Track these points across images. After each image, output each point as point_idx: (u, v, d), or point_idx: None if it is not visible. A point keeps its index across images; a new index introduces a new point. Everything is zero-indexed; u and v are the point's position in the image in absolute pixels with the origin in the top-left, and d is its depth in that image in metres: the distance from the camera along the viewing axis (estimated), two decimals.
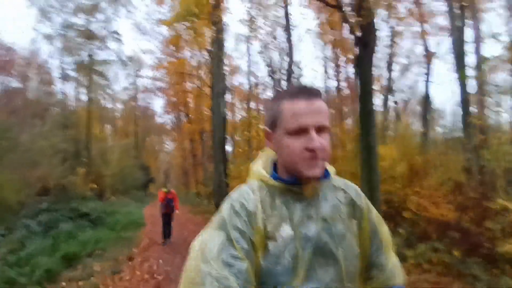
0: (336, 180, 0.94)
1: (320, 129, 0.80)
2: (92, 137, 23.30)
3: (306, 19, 51.36)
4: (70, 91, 27.73)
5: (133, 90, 34.96)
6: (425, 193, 7.14)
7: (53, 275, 4.52)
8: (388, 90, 17.86)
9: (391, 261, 0.94)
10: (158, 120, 39.43)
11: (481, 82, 9.90)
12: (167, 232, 8.09)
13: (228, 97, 27.96)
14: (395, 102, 18.66)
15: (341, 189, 0.92)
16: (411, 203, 6.86)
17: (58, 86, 26.77)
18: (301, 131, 0.80)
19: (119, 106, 37.12)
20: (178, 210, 8.58)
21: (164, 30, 23.87)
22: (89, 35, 23.68)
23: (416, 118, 18.61)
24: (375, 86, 23.10)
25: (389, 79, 18.65)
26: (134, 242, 7.70)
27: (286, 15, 12.15)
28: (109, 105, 35.58)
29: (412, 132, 10.75)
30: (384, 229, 0.96)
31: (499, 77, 10.92)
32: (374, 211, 0.95)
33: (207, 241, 0.76)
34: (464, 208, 6.25)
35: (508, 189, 6.32)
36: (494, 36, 8.65)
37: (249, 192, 0.84)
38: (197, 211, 15.88)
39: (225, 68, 19.59)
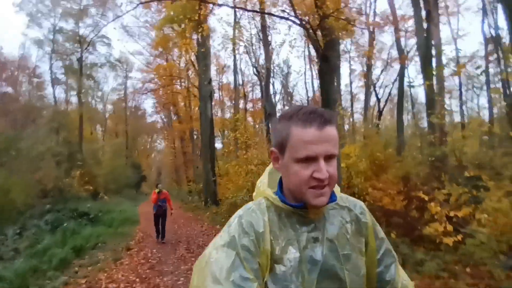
0: (341, 198, 0.94)
1: (328, 157, 0.80)
2: (84, 139, 24.23)
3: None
4: (60, 94, 28.63)
5: (123, 91, 35.73)
6: (382, 186, 8.37)
7: (66, 263, 5.65)
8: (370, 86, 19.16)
9: (401, 275, 0.95)
10: (149, 119, 40.47)
11: (440, 86, 11.11)
12: (160, 232, 8.32)
13: (217, 94, 29.16)
14: (378, 99, 19.94)
15: (346, 207, 0.93)
16: (369, 196, 8.10)
17: (49, 89, 27.58)
18: (310, 159, 0.79)
19: (109, 106, 37.96)
20: (172, 210, 8.79)
21: (152, 32, 24.91)
22: (78, 40, 24.46)
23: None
24: (360, 83, 24.30)
25: (368, 76, 19.94)
26: (131, 236, 8.84)
27: (263, 28, 13.15)
28: (99, 106, 36.55)
29: (380, 131, 11.91)
30: (388, 245, 0.96)
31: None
32: (378, 227, 0.96)
33: (217, 260, 0.76)
34: (410, 198, 7.48)
35: (452, 181, 7.48)
36: (440, 52, 9.83)
37: (258, 211, 0.85)
38: (187, 208, 17.04)
39: (213, 67, 20.58)
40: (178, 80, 26.08)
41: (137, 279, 4.95)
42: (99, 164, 25.70)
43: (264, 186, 0.92)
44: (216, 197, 14.55)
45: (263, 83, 13.35)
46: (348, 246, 0.87)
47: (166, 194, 8.56)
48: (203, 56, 16.24)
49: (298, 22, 7.99)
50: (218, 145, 25.70)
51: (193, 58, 20.92)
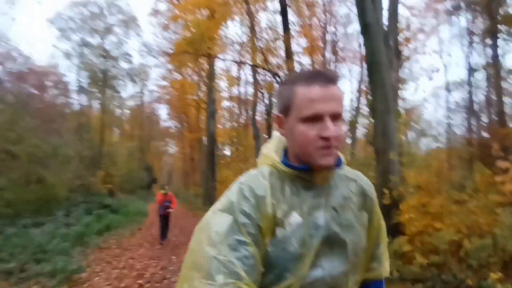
0: (348, 170, 0.96)
1: (335, 117, 0.80)
2: (105, 143, 28.18)
3: None
4: (83, 101, 32.84)
5: (140, 97, 39.84)
6: None
7: (101, 232, 9.24)
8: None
9: (386, 253, 1.01)
10: (163, 124, 44.55)
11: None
12: (164, 233, 8.81)
13: (227, 104, 32.67)
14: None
15: (353, 180, 0.94)
16: None
17: (74, 97, 31.79)
18: (316, 118, 0.79)
19: (126, 111, 42.15)
20: (174, 209, 9.13)
21: (169, 49, 28.78)
22: (104, 55, 28.58)
23: None
24: None
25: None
26: (141, 223, 12.46)
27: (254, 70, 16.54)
28: (117, 111, 40.75)
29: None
30: (383, 222, 1.00)
31: None
32: (378, 204, 0.99)
33: (214, 224, 0.77)
34: None
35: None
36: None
37: (259, 176, 0.85)
38: (190, 208, 20.65)
39: (223, 82, 23.99)
40: (190, 93, 29.82)
41: (145, 243, 8.49)
42: (115, 165, 29.61)
43: (269, 151, 0.92)
44: (212, 199, 18.05)
45: (249, 111, 16.79)
46: (352, 217, 0.88)
47: (171, 196, 8.99)
48: (210, 77, 19.88)
49: (273, 75, 11.56)
50: (227, 152, 29.44)
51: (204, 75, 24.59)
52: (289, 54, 11.10)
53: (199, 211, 17.87)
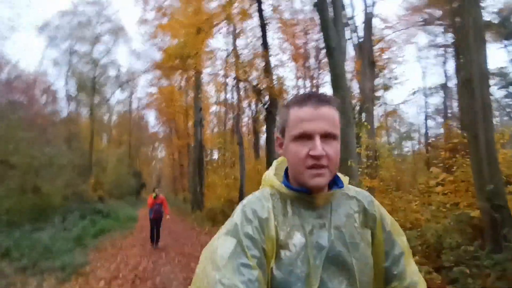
0: (349, 188, 0.97)
1: (326, 136, 0.83)
2: (95, 150, 29.00)
3: None
4: (71, 108, 33.59)
5: (128, 102, 40.64)
6: None
7: (97, 235, 10.27)
8: None
9: (411, 270, 0.95)
10: (151, 130, 45.38)
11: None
12: (155, 236, 8.96)
13: (215, 109, 33.71)
14: None
15: (354, 198, 0.96)
16: None
17: (62, 104, 32.50)
18: (306, 138, 0.83)
19: (114, 117, 42.91)
20: (168, 215, 9.30)
21: (157, 55, 29.79)
22: (92, 62, 29.46)
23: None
24: None
25: None
26: (132, 227, 13.48)
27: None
28: (105, 117, 41.48)
29: None
30: (401, 238, 0.97)
31: None
32: (389, 220, 0.98)
33: (218, 248, 0.79)
34: None
35: None
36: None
37: (261, 198, 0.88)
38: (178, 213, 21.64)
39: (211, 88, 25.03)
40: (178, 100, 30.81)
41: (137, 244, 9.56)
42: (104, 172, 30.42)
43: (270, 175, 0.95)
44: (201, 204, 19.09)
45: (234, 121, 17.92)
46: (356, 235, 0.89)
47: (162, 199, 9.06)
48: (197, 87, 20.95)
49: (253, 88, 12.72)
50: (216, 156, 30.51)
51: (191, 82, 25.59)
52: (268, 69, 12.28)
53: (187, 216, 18.89)
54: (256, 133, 22.99)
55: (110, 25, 29.69)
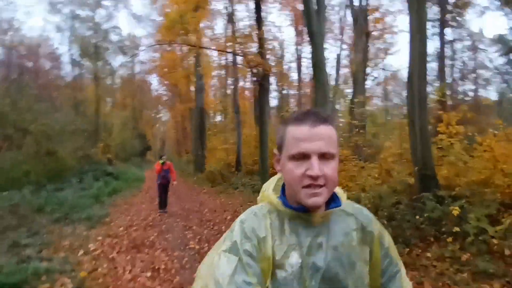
0: (347, 205, 0.97)
1: (324, 156, 0.83)
2: (100, 114, 30.56)
3: None
4: (76, 73, 34.80)
5: (131, 67, 41.65)
6: None
7: (110, 194, 12.06)
8: None
9: (405, 285, 0.97)
10: (155, 92, 46.52)
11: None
12: (163, 201, 9.36)
13: (217, 72, 34.76)
14: None
15: (352, 215, 0.96)
16: None
17: (66, 69, 33.72)
18: (303, 157, 0.83)
19: (117, 80, 44.02)
20: (175, 181, 9.79)
21: (158, 18, 30.50)
22: (94, 27, 30.34)
23: None
24: None
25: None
26: (140, 187, 15.31)
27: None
28: (109, 81, 42.62)
29: None
30: (396, 255, 0.99)
31: None
32: (386, 237, 0.99)
33: (219, 265, 0.80)
34: None
35: None
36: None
37: (260, 216, 0.89)
38: (182, 174, 23.52)
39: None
40: (180, 65, 31.84)
41: (144, 201, 11.33)
42: (110, 135, 32.19)
43: (269, 190, 0.96)
44: (202, 167, 20.84)
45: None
46: (353, 254, 0.90)
47: (169, 165, 9.52)
48: (197, 56, 22.09)
49: (247, 66, 13.89)
50: (219, 118, 31.99)
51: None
52: (262, 46, 13.40)
53: (189, 177, 20.73)
54: (256, 100, 24.30)
55: None
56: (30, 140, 14.51)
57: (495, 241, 4.18)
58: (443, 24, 15.58)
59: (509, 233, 4.24)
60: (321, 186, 0.82)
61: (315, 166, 0.81)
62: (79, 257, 5.06)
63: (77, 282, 4.06)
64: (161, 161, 9.43)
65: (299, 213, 0.88)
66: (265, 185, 0.99)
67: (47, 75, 31.06)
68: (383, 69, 21.98)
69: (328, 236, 0.89)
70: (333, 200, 0.92)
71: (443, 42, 15.59)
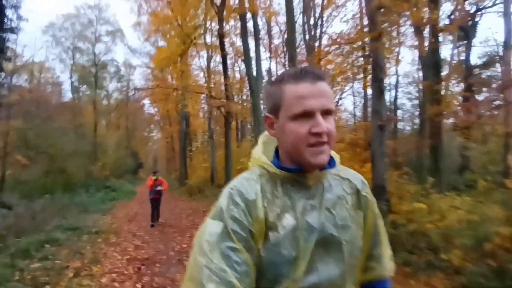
0: (342, 169, 1.00)
1: (325, 113, 0.84)
2: (98, 135, 35.53)
3: None
4: (75, 97, 40.01)
5: (125, 92, 46.83)
6: None
7: (112, 201, 17.09)
8: None
9: (387, 252, 1.02)
10: (147, 111, 51.37)
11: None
12: (155, 216, 9.94)
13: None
14: None
15: (347, 179, 0.98)
16: None
17: (67, 95, 38.97)
18: (307, 115, 0.83)
19: (112, 101, 49.02)
20: (164, 189, 10.23)
21: (152, 50, 35.89)
22: (94, 60, 35.74)
23: None
24: None
25: None
26: (133, 198, 20.33)
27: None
28: (104, 103, 47.67)
29: None
30: (381, 221, 1.03)
31: None
32: (375, 204, 1.02)
33: (204, 233, 0.82)
34: None
35: None
36: None
37: (249, 179, 0.89)
38: (169, 188, 28.31)
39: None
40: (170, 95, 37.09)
41: (136, 204, 16.37)
42: (106, 154, 37.12)
43: (258, 153, 0.96)
44: (184, 182, 25.72)
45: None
46: (347, 218, 0.91)
47: (162, 181, 10.01)
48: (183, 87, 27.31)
49: (210, 106, 19.05)
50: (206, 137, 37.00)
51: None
52: (227, 89, 18.50)
53: (175, 190, 25.67)
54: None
55: (109, 27, 35.73)
56: (46, 159, 19.57)
57: None
58: None
59: None
60: (325, 143, 0.84)
61: (322, 123, 0.83)
62: (100, 224, 10.07)
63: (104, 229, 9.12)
64: (154, 177, 9.97)
65: (293, 174, 0.89)
66: (253, 151, 0.99)
67: (51, 100, 36.20)
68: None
69: (321, 199, 0.90)
70: (327, 162, 0.90)
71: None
